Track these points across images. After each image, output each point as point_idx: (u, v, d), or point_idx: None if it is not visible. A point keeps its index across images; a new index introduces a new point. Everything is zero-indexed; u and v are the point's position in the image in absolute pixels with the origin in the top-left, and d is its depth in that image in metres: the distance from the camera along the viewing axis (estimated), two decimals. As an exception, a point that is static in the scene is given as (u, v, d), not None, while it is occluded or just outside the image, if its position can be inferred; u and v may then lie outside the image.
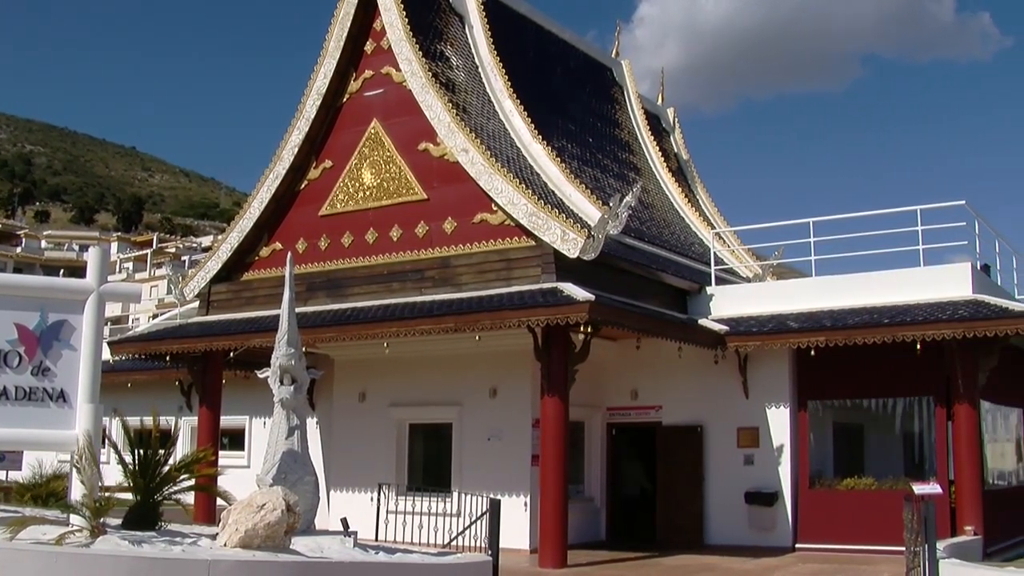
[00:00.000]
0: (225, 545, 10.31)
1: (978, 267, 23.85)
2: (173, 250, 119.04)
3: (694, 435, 24.74)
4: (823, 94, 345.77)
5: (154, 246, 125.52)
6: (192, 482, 12.26)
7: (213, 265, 26.69)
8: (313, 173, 25.72)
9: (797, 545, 23.18)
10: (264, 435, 16.70)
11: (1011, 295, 26.03)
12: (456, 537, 18.11)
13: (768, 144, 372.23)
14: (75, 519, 10.63)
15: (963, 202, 23.36)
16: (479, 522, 17.22)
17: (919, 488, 18.36)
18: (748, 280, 30.48)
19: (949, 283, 22.76)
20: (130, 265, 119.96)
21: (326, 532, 13.03)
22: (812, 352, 22.66)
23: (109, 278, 12.76)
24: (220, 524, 10.71)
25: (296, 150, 25.54)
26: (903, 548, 16.65)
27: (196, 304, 27.49)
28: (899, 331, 21.55)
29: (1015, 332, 20.72)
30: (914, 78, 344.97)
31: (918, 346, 21.35)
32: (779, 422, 24.02)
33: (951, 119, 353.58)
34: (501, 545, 16.12)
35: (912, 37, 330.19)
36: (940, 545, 16.16)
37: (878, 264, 24.66)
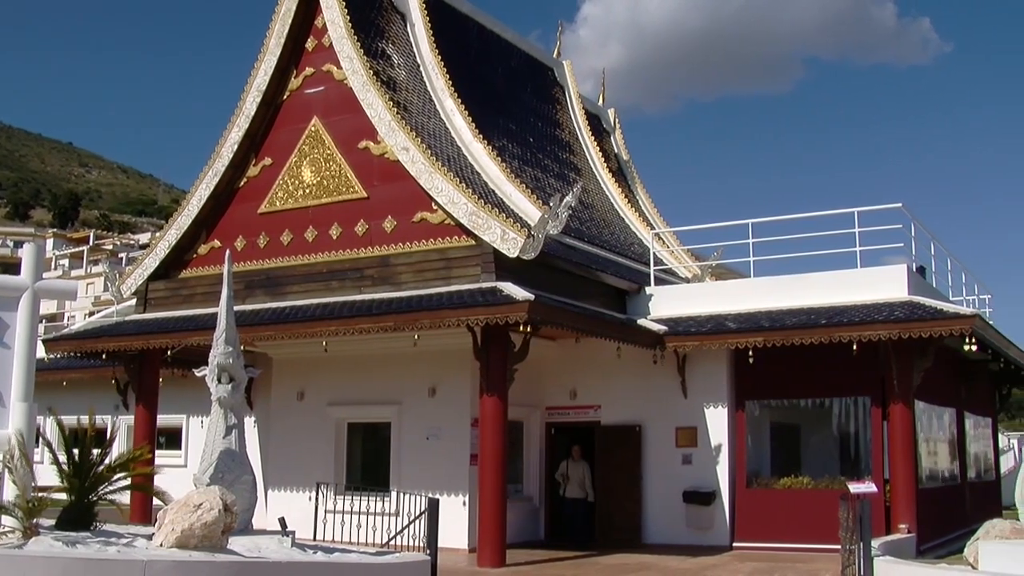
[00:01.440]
0: (161, 545, 10.23)
1: (914, 269, 24.11)
2: (110, 247, 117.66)
3: (632, 435, 24.84)
4: (766, 96, 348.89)
5: (91, 243, 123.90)
6: (128, 482, 12.13)
7: (151, 262, 26.45)
8: (253, 170, 25.56)
9: (734, 544, 23.34)
10: (201, 434, 16.62)
11: (946, 297, 26.36)
12: (395, 536, 18.06)
13: (711, 145, 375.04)
14: (7, 520, 10.51)
15: (900, 205, 23.62)
16: (418, 521, 17.19)
17: (855, 487, 18.56)
18: (687, 281, 30.66)
19: (885, 285, 23.00)
20: (66, 262, 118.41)
21: (264, 532, 12.94)
22: (750, 352, 22.83)
23: (44, 275, 12.62)
24: (156, 524, 10.62)
25: (235, 147, 25.37)
26: (839, 546, 16.83)
27: (133, 302, 27.20)
28: (836, 332, 21.76)
29: (949, 333, 20.98)
30: (855, 81, 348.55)
31: (854, 347, 21.56)
32: (717, 422, 24.18)
33: (890, 122, 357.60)
34: (440, 544, 16.10)
35: (854, 40, 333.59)
36: (875, 543, 16.32)
37: (816, 265, 24.90)
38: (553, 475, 25.29)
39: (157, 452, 25.91)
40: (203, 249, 26.00)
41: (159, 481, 14.01)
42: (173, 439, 30.53)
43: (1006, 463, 44.54)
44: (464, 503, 22.92)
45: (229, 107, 26.18)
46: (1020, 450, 48.52)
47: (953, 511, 26.14)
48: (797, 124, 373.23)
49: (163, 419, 27.35)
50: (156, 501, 12.83)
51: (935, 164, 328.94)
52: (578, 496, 24.32)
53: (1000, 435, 42.77)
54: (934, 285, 26.20)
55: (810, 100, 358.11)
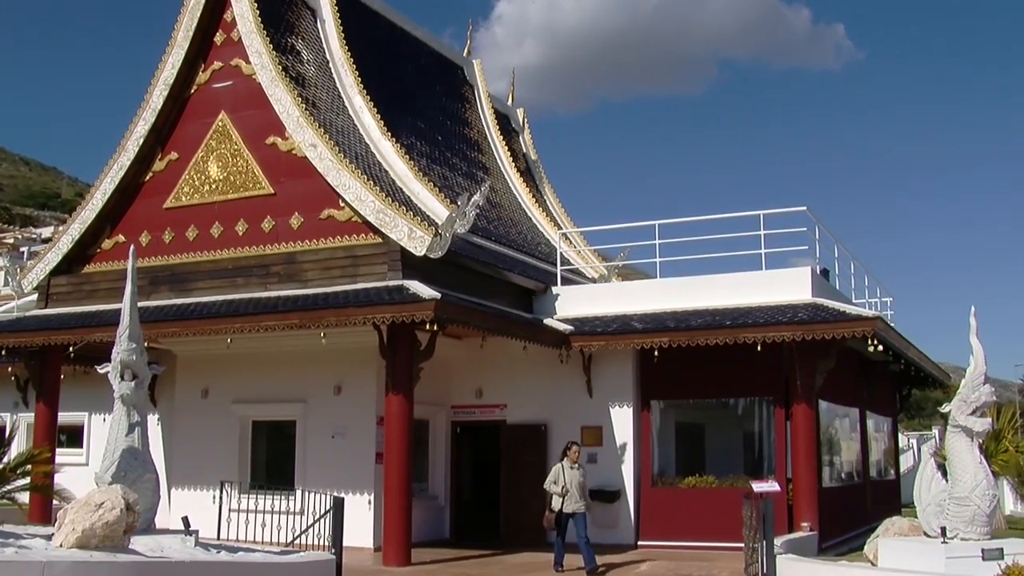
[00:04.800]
0: (61, 545, 10.10)
1: (818, 271, 24.45)
2: (11, 241, 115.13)
3: (538, 434, 24.91)
4: (679, 97, 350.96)
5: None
6: (27, 481, 11.99)
7: (53, 257, 26.05)
8: (159, 165, 25.26)
9: (639, 542, 23.51)
10: (104, 432, 16.37)
11: (849, 299, 26.82)
12: (299, 536, 17.99)
13: (624, 146, 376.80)
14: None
15: (804, 208, 23.94)
16: (323, 520, 17.13)
17: (758, 486, 18.81)
18: (594, 281, 30.84)
19: (790, 286, 23.32)
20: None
21: (167, 531, 12.85)
22: (655, 352, 23.01)
23: (-58, 269, 12.41)
24: (56, 524, 10.49)
25: (141, 141, 25.06)
26: (742, 544, 17.04)
27: (35, 297, 26.74)
28: (740, 333, 22.02)
29: (852, 335, 21.32)
30: (769, 84, 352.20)
31: (759, 347, 21.82)
32: (622, 421, 24.33)
33: (801, 125, 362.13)
34: (345, 543, 16.07)
35: (768, 44, 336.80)
36: (778, 541, 16.54)
37: (722, 267, 25.19)
38: (458, 473, 25.28)
39: (58, 451, 25.46)
40: (107, 244, 25.66)
41: (60, 480, 13.87)
42: (74, 437, 30.04)
43: (906, 462, 45.43)
44: (369, 502, 22.86)
45: (135, 100, 25.88)
46: (919, 450, 49.40)
47: (855, 509, 26.55)
48: (710, 126, 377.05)
49: (64, 417, 26.93)
50: (57, 500, 12.67)
51: (842, 166, 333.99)
52: (579, 510, 19.80)
53: (900, 435, 43.63)
54: (837, 287, 26.64)
55: (723, 102, 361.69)
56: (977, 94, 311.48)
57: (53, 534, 10.54)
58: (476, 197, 21.88)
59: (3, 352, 25.79)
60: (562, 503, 19.65)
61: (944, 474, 14.38)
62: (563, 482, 19.65)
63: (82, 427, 30.03)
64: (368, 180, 22.01)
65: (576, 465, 19.95)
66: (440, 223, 21.52)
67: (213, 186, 24.39)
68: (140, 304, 13.99)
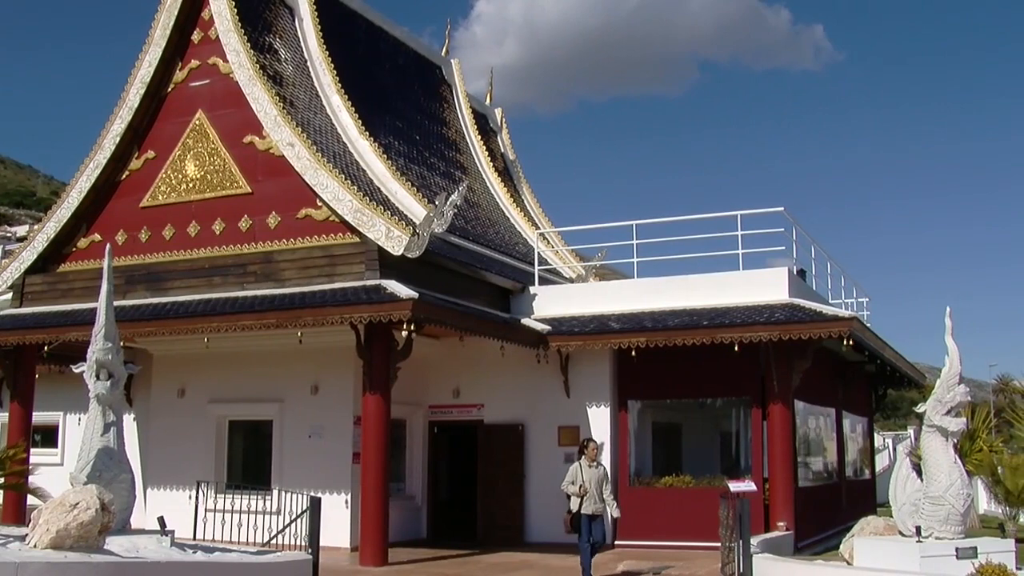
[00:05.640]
0: (35, 546, 10.05)
1: (795, 272, 24.52)
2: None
3: (515, 433, 24.92)
4: (659, 97, 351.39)
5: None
6: (1, 480, 11.92)
7: (28, 255, 25.91)
8: (135, 163, 25.17)
9: (616, 542, 23.50)
10: (79, 432, 16.31)
11: (825, 299, 26.89)
12: (276, 535, 17.91)
13: (603, 146, 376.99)
14: None
15: (782, 209, 23.99)
16: (299, 520, 17.08)
17: (735, 486, 18.83)
18: (571, 281, 30.86)
19: (767, 287, 23.37)
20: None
21: (142, 531, 12.81)
22: (633, 352, 23.03)
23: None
24: (31, 524, 10.43)
25: (118, 139, 24.97)
26: (719, 544, 17.07)
27: (9, 296, 26.59)
28: (717, 333, 22.07)
29: (828, 335, 21.41)
30: (748, 85, 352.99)
31: (736, 348, 21.89)
32: (600, 421, 24.35)
33: (780, 126, 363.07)
34: (321, 543, 16.01)
35: (748, 45, 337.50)
36: (754, 540, 16.57)
37: (699, 267, 25.24)
38: (435, 473, 25.26)
39: (32, 450, 25.37)
40: (83, 243, 25.54)
41: (35, 480, 13.80)
42: (49, 437, 29.91)
43: (881, 462, 45.66)
44: (346, 502, 22.83)
45: (112, 98, 25.77)
46: (894, 449, 49.66)
47: (830, 509, 26.65)
48: (689, 126, 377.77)
49: (39, 416, 26.79)
50: (31, 500, 12.61)
51: (820, 167, 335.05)
52: (599, 512, 18.05)
53: (876, 435, 43.84)
54: (814, 288, 26.72)
55: (703, 103, 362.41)
56: (952, 96, 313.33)
57: (27, 534, 10.48)
58: (454, 197, 21.88)
59: (-23, 351, 25.63)
60: (580, 504, 17.82)
61: (919, 474, 14.44)
62: (581, 482, 17.84)
63: (57, 427, 29.90)
64: (346, 179, 21.98)
65: (595, 463, 18.19)
66: (418, 223, 21.51)
67: (190, 185, 24.31)
68: (116, 303, 13.93)
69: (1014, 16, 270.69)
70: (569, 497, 17.90)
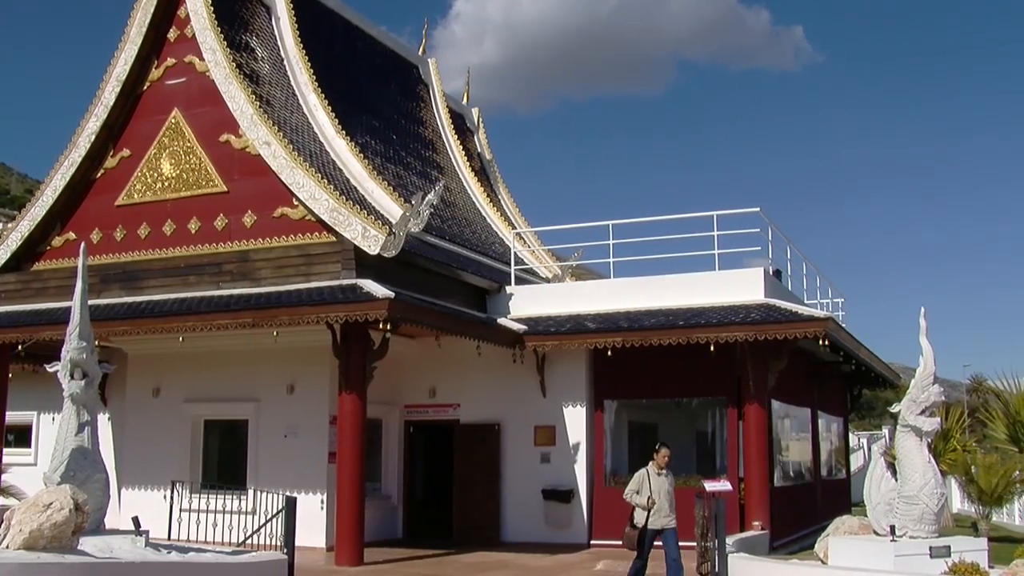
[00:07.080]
0: (8, 547, 9.99)
1: (770, 272, 24.59)
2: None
3: (491, 433, 24.93)
4: (638, 97, 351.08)
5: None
6: (-26, 480, 11.86)
7: (2, 254, 25.71)
8: (111, 162, 25.07)
9: (592, 541, 23.56)
10: (53, 431, 16.22)
11: (801, 300, 26.98)
12: (251, 535, 17.88)
13: (582, 145, 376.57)
14: None
15: (758, 209, 24.06)
16: (275, 520, 17.04)
17: (710, 485, 18.93)
18: (548, 280, 30.87)
19: (743, 287, 23.44)
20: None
21: (117, 532, 12.73)
22: (609, 352, 23.07)
23: None
24: (3, 524, 10.37)
25: (93, 137, 24.86)
26: (694, 543, 17.11)
27: (-18, 294, 26.52)
28: (693, 333, 22.12)
29: (803, 335, 21.48)
30: (728, 86, 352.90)
31: (711, 348, 21.94)
32: (575, 421, 24.39)
33: (758, 127, 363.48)
34: (297, 543, 15.96)
35: (728, 45, 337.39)
36: (729, 539, 16.62)
37: (675, 267, 25.28)
38: (411, 473, 25.26)
39: (5, 450, 25.30)
40: (57, 241, 25.43)
41: (7, 480, 13.72)
42: (22, 437, 29.75)
43: (856, 462, 45.86)
44: (322, 501, 22.80)
45: (87, 96, 25.74)
46: (869, 449, 49.94)
47: (806, 508, 26.72)
48: (668, 126, 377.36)
49: (12, 416, 26.65)
50: (4, 500, 12.54)
51: (797, 168, 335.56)
52: (671, 526, 15.90)
53: (851, 434, 44.01)
54: (790, 288, 26.79)
55: (682, 103, 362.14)
56: (930, 98, 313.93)
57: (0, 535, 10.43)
58: (430, 196, 21.87)
59: (-51, 350, 25.47)
60: (647, 517, 15.77)
61: (894, 473, 14.50)
62: (648, 492, 15.82)
63: (30, 426, 29.74)
64: (322, 178, 21.95)
65: (663, 471, 16.19)
66: (394, 222, 21.50)
67: (166, 183, 24.23)
68: (91, 302, 13.86)
69: (993, 19, 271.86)
70: (634, 510, 16.02)
